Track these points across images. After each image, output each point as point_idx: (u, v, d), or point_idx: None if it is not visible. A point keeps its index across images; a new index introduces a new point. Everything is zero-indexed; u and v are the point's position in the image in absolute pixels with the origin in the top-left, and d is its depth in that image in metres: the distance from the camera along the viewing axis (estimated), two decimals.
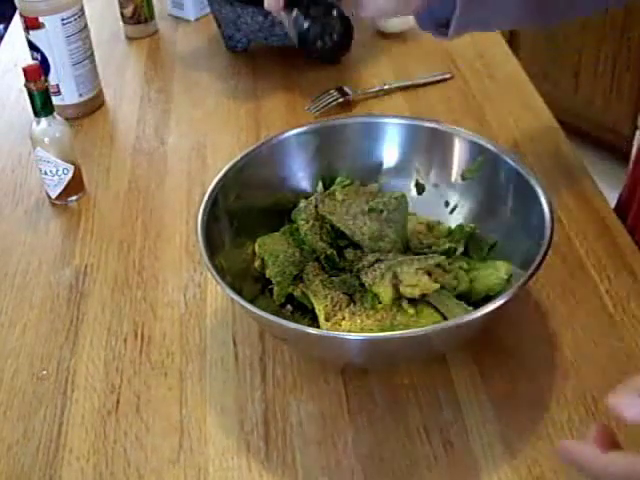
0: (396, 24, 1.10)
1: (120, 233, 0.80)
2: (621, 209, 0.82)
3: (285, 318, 0.62)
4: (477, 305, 0.60)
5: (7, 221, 0.83)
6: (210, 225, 0.65)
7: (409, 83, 1.01)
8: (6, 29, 1.21)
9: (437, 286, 0.62)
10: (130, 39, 1.15)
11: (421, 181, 0.75)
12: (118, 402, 0.63)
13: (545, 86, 1.02)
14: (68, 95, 0.96)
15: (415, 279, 0.62)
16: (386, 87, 0.99)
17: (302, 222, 0.69)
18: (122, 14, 1.14)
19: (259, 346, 0.67)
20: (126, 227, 0.81)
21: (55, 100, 0.87)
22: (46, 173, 0.81)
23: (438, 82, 1.01)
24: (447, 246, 0.69)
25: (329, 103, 0.96)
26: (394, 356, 0.62)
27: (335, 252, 0.68)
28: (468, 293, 0.65)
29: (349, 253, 0.68)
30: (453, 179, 0.73)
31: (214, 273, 0.60)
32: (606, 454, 0.45)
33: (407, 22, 1.11)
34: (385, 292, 0.62)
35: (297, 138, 0.74)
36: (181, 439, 0.60)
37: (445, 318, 0.62)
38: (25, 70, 0.77)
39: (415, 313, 0.62)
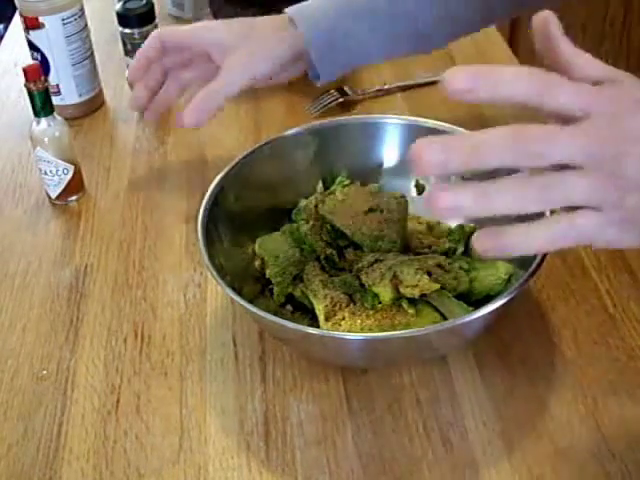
0: None
1: (120, 233, 0.80)
2: None
3: (285, 318, 0.62)
4: (477, 305, 0.60)
5: (7, 221, 0.83)
6: (210, 225, 0.65)
7: (409, 83, 1.01)
8: (6, 29, 1.20)
9: (437, 286, 0.62)
10: None
11: (421, 181, 0.75)
12: (118, 402, 0.63)
13: None
14: (68, 95, 0.96)
15: (415, 279, 0.62)
16: (386, 87, 0.99)
17: (302, 222, 0.69)
18: None
19: (259, 346, 0.67)
20: (126, 227, 0.81)
21: (55, 100, 0.87)
22: (46, 173, 0.81)
23: (438, 82, 1.01)
24: (447, 246, 0.69)
25: (329, 103, 0.96)
26: (394, 356, 0.62)
27: (335, 252, 0.68)
28: (468, 293, 0.65)
29: (349, 253, 0.68)
30: (453, 179, 0.73)
31: (214, 273, 0.60)
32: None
33: None
34: (385, 292, 0.62)
35: (297, 138, 0.74)
36: (181, 439, 0.60)
37: (445, 318, 0.62)
38: (25, 70, 0.76)
39: (415, 313, 0.62)
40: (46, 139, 0.80)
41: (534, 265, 0.58)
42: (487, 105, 0.95)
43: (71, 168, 0.82)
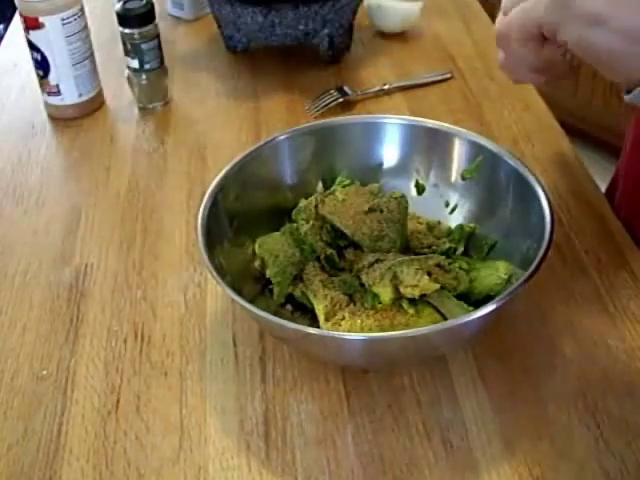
0: (396, 24, 1.10)
1: (120, 233, 0.80)
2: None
3: (285, 318, 0.62)
4: (477, 305, 0.60)
5: (7, 221, 0.83)
6: (210, 225, 0.65)
7: (409, 83, 1.01)
8: (6, 29, 1.20)
9: (437, 286, 0.62)
10: None
11: (421, 181, 0.75)
12: (118, 402, 0.63)
13: (545, 86, 1.02)
14: (68, 95, 0.96)
15: (415, 279, 0.62)
16: (386, 87, 0.99)
17: (302, 222, 0.69)
18: None
19: (259, 346, 0.67)
20: (126, 227, 0.81)
21: (55, 100, 0.87)
22: None
23: (438, 82, 1.01)
24: (447, 246, 0.69)
25: (329, 103, 0.96)
26: (394, 356, 0.62)
27: (335, 252, 0.68)
28: (468, 293, 0.65)
29: (349, 253, 0.68)
30: (453, 179, 0.73)
31: (214, 273, 0.60)
32: None
33: (407, 22, 1.11)
34: (385, 292, 0.62)
35: (297, 138, 0.74)
36: (181, 439, 0.60)
37: (445, 318, 0.62)
38: None
39: (415, 313, 0.62)
40: None
41: (534, 265, 0.58)
42: (487, 106, 0.95)
43: None
